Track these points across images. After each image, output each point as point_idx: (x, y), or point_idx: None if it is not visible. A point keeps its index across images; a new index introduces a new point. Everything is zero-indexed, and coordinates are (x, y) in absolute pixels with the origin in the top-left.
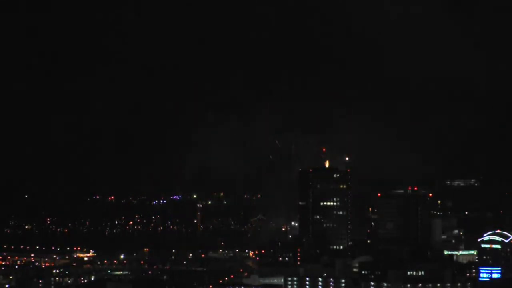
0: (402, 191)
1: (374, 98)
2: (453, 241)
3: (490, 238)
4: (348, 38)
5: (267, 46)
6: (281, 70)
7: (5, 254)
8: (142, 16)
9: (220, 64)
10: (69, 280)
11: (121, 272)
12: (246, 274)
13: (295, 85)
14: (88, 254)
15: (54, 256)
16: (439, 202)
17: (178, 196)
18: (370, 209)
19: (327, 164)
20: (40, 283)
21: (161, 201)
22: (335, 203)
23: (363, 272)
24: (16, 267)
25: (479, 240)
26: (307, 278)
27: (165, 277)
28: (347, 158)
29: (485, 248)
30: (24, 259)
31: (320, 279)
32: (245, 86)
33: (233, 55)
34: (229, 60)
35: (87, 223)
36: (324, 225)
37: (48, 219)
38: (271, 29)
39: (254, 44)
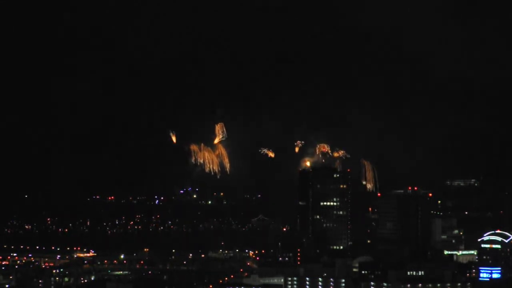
0: (402, 191)
1: (377, 97)
2: (453, 241)
3: (490, 238)
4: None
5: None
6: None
7: (4, 254)
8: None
9: (227, 61)
10: (69, 280)
11: (121, 272)
12: (246, 274)
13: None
14: (88, 254)
15: (54, 256)
16: (439, 202)
17: (179, 196)
18: (370, 209)
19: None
20: (40, 283)
21: (161, 201)
22: (335, 203)
23: (363, 272)
24: (16, 267)
25: (479, 240)
26: (307, 278)
27: (165, 277)
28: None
29: (485, 248)
30: (24, 259)
31: (320, 279)
32: (253, 84)
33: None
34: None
35: (87, 223)
36: (324, 225)
37: (48, 219)
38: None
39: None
